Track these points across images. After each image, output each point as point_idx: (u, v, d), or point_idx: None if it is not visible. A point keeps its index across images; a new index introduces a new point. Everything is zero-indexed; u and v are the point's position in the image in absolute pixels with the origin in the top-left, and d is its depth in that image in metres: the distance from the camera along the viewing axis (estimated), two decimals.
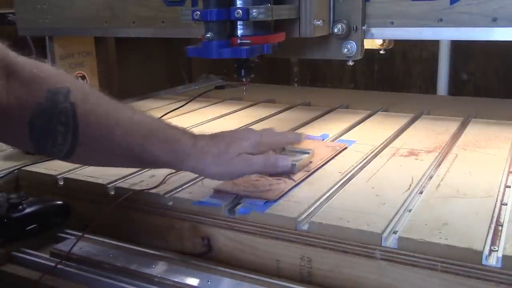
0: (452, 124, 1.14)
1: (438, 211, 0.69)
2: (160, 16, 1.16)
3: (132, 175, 0.85)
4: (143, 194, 0.78)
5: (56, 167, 0.90)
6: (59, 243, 0.77)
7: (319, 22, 0.91)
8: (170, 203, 0.76)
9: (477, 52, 1.99)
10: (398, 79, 2.17)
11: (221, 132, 0.74)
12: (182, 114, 1.28)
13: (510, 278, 0.56)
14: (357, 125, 1.17)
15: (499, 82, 1.99)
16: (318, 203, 0.72)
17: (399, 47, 2.09)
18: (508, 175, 0.83)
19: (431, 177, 0.82)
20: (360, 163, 0.89)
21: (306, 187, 0.79)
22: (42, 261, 0.74)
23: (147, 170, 0.87)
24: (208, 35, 0.79)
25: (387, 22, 0.95)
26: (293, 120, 1.22)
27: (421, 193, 0.76)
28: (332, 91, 1.92)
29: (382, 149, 0.98)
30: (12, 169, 0.92)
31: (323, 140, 1.05)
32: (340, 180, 0.81)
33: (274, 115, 1.31)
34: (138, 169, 0.87)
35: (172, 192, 0.78)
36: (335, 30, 0.95)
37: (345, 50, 0.96)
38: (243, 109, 1.39)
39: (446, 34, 0.92)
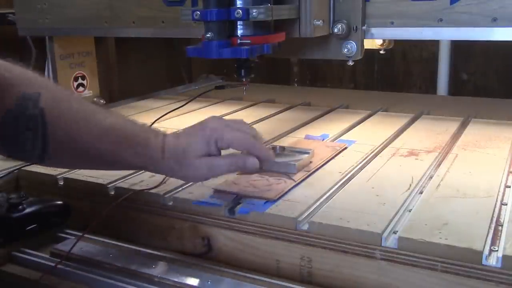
0: (452, 124, 1.14)
1: (438, 211, 0.69)
2: (160, 16, 1.16)
3: (132, 175, 0.85)
4: (143, 194, 0.78)
5: (56, 167, 0.90)
6: (59, 243, 0.77)
7: (319, 22, 0.91)
8: (170, 203, 0.76)
9: (477, 52, 1.99)
10: (398, 79, 2.17)
11: (187, 128, 0.72)
12: (182, 114, 1.28)
13: (510, 278, 0.56)
14: (357, 125, 1.17)
15: (499, 82, 1.99)
16: (318, 203, 0.72)
17: (399, 47, 2.09)
18: (508, 175, 0.83)
19: (431, 177, 0.82)
20: (360, 163, 0.89)
21: (306, 187, 0.79)
22: (42, 261, 0.74)
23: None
24: (208, 35, 0.79)
25: (387, 22, 0.95)
26: (293, 120, 1.22)
27: (421, 193, 0.76)
28: (332, 91, 1.92)
29: (382, 149, 0.98)
30: (12, 169, 0.92)
31: (323, 140, 1.05)
32: (340, 180, 0.81)
33: (274, 115, 1.31)
34: (138, 169, 0.87)
35: (172, 192, 0.78)
36: (335, 30, 0.95)
37: (345, 50, 0.96)
38: (243, 109, 1.39)
39: (446, 34, 0.92)
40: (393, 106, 1.34)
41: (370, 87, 2.20)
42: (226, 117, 1.27)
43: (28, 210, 0.71)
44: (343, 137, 1.07)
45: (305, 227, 0.67)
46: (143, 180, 0.83)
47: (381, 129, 1.12)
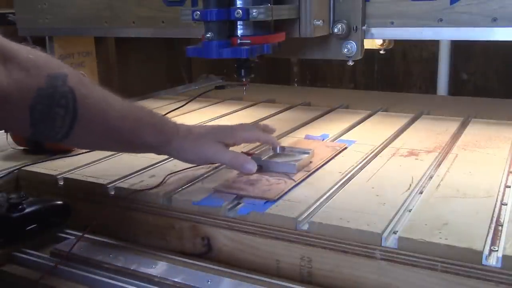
0: (452, 124, 1.14)
1: (438, 211, 0.69)
2: (160, 16, 1.16)
3: (132, 175, 0.85)
4: (143, 194, 0.78)
5: (56, 167, 0.90)
6: (59, 243, 0.77)
7: (319, 22, 0.91)
8: (170, 203, 0.76)
9: (477, 52, 1.99)
10: (398, 79, 2.17)
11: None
12: (182, 114, 1.28)
13: (510, 278, 0.56)
14: (357, 125, 1.17)
15: (499, 82, 1.99)
16: (318, 203, 0.72)
17: (399, 47, 2.09)
18: (508, 175, 0.83)
19: (431, 177, 0.82)
20: (360, 163, 0.89)
21: (306, 187, 0.79)
22: (42, 261, 0.74)
23: (147, 170, 0.87)
24: (208, 35, 0.79)
25: (387, 22, 0.95)
26: (293, 120, 1.22)
27: (421, 193, 0.76)
28: (332, 91, 1.92)
29: (382, 149, 0.98)
30: (12, 169, 0.92)
31: (323, 140, 1.05)
32: (340, 180, 0.81)
33: (274, 115, 1.31)
34: (138, 169, 0.87)
35: (172, 192, 0.78)
36: (335, 30, 0.95)
37: (345, 50, 0.97)
38: (243, 109, 1.39)
39: (446, 34, 0.92)
40: (393, 106, 1.34)
41: (370, 87, 2.20)
42: (226, 117, 1.28)
43: (28, 210, 0.71)
44: (343, 137, 1.07)
45: (305, 227, 0.67)
46: (143, 180, 0.83)
47: (381, 129, 1.12)
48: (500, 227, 0.65)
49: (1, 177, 0.90)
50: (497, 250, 0.59)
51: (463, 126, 1.14)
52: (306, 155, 0.88)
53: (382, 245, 0.62)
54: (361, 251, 0.63)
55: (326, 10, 0.95)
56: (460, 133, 1.07)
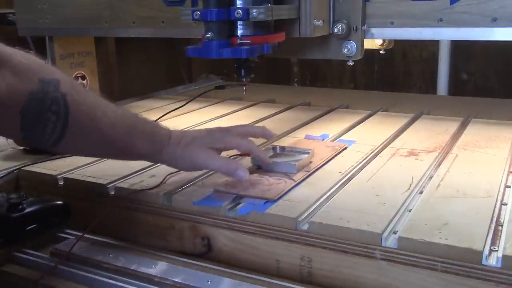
0: (452, 124, 1.14)
1: (438, 211, 0.69)
2: (160, 16, 1.16)
3: (132, 175, 0.85)
4: (143, 194, 0.78)
5: (56, 167, 0.90)
6: (59, 243, 0.77)
7: (319, 22, 0.91)
8: (170, 203, 0.76)
9: (477, 52, 1.99)
10: (398, 79, 2.17)
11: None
12: (182, 114, 1.28)
13: (510, 278, 0.56)
14: (357, 125, 1.17)
15: (499, 82, 1.99)
16: (318, 203, 0.72)
17: (399, 47, 2.09)
18: (508, 175, 0.83)
19: (431, 177, 0.82)
20: (360, 163, 0.89)
21: (306, 187, 0.79)
22: (42, 261, 0.74)
23: (147, 170, 0.87)
24: (208, 35, 0.79)
25: (387, 22, 0.95)
26: (293, 120, 1.22)
27: (421, 193, 0.76)
28: (332, 91, 1.92)
29: (382, 149, 0.98)
30: (12, 169, 0.92)
31: (323, 140, 1.05)
32: (340, 180, 0.81)
33: (274, 115, 1.31)
34: (138, 169, 0.87)
35: (172, 192, 0.78)
36: (335, 30, 0.95)
37: (345, 50, 0.96)
38: (243, 109, 1.39)
39: (446, 34, 0.92)
40: (393, 106, 1.34)
41: (370, 87, 2.20)
42: (226, 117, 1.28)
43: (28, 210, 0.71)
44: (343, 137, 1.07)
45: (305, 227, 0.67)
46: (143, 180, 0.83)
47: (381, 129, 1.12)
48: (500, 227, 0.65)
49: (1, 177, 0.90)
50: (497, 250, 0.59)
51: (463, 126, 1.14)
52: (306, 155, 0.88)
53: (382, 245, 0.62)
54: (361, 251, 0.63)
55: (326, 10, 0.95)
56: (460, 133, 1.07)
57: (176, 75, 2.05)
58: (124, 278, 0.68)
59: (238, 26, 0.82)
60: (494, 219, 0.66)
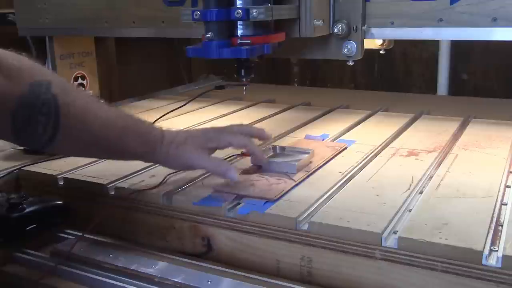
0: (452, 124, 1.14)
1: (438, 211, 0.69)
2: (160, 16, 1.16)
3: (132, 175, 0.85)
4: (143, 194, 0.78)
5: (56, 167, 0.90)
6: (59, 243, 0.77)
7: (319, 22, 0.91)
8: (170, 203, 0.76)
9: (477, 52, 1.99)
10: (398, 79, 2.17)
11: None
12: (182, 114, 1.28)
13: (510, 278, 0.56)
14: (357, 125, 1.17)
15: (499, 82, 1.99)
16: (318, 203, 0.72)
17: (399, 47, 2.09)
18: (508, 175, 0.83)
19: (431, 177, 0.82)
20: (360, 163, 0.89)
21: (306, 187, 0.79)
22: (43, 261, 0.74)
23: (147, 170, 0.87)
24: (208, 35, 0.79)
25: (387, 22, 0.95)
26: (293, 120, 1.22)
27: (421, 193, 0.76)
28: (332, 91, 1.92)
29: (382, 149, 0.98)
30: (12, 169, 0.92)
31: (323, 140, 1.05)
32: (340, 180, 0.81)
33: (274, 115, 1.31)
34: (138, 169, 0.87)
35: (172, 192, 0.78)
36: (335, 30, 0.95)
37: (345, 50, 0.96)
38: (243, 109, 1.39)
39: (446, 34, 0.92)
40: (393, 106, 1.34)
41: (370, 87, 2.20)
42: (226, 117, 1.28)
43: (28, 210, 0.71)
44: (343, 137, 1.07)
45: (305, 227, 0.67)
46: (143, 180, 0.83)
47: (381, 129, 1.12)
48: (500, 227, 0.65)
49: (1, 177, 0.90)
50: (497, 250, 0.59)
51: (463, 126, 1.14)
52: (306, 155, 0.88)
53: (382, 245, 0.62)
54: (361, 251, 0.63)
55: (326, 10, 0.95)
56: (460, 133, 1.07)
57: (176, 75, 2.05)
58: (124, 278, 0.68)
59: (238, 26, 0.82)
60: (494, 219, 0.66)
